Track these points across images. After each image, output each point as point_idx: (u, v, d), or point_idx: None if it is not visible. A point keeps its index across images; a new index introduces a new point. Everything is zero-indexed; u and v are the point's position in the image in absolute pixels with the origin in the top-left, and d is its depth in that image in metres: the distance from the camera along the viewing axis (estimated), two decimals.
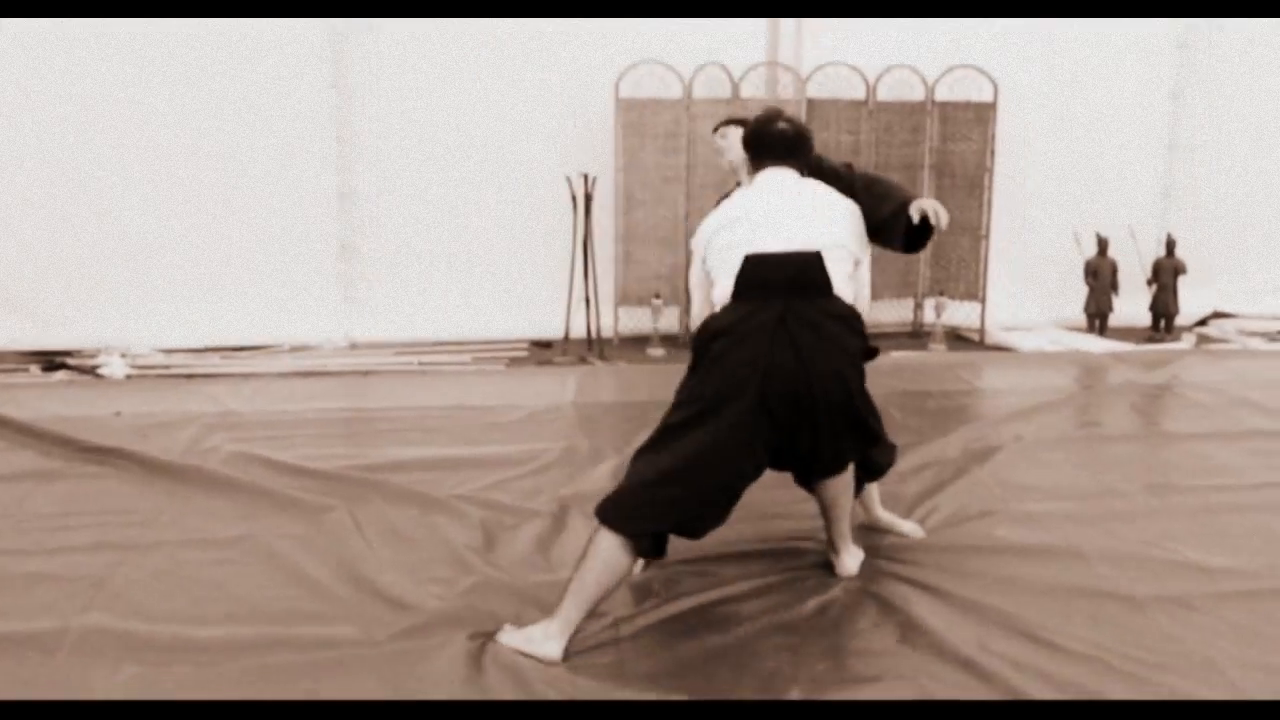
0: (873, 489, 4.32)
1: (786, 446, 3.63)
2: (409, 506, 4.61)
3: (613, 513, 3.46)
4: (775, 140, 3.87)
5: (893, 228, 3.78)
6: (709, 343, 3.61)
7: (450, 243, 7.69)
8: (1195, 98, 8.31)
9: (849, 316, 3.68)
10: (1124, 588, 3.88)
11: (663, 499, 3.46)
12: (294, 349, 7.46)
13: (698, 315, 3.93)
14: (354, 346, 7.57)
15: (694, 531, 3.59)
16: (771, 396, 3.51)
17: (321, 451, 5.32)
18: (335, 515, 4.47)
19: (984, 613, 3.66)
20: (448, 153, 7.59)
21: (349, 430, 5.80)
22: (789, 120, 3.90)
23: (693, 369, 3.69)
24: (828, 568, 4.00)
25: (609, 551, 3.42)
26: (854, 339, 3.69)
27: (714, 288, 3.72)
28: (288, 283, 7.55)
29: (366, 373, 6.97)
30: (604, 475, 4.95)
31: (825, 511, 3.94)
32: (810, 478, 3.87)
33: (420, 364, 7.14)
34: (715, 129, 4.48)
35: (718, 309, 3.68)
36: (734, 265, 3.62)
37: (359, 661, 3.37)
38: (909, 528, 4.35)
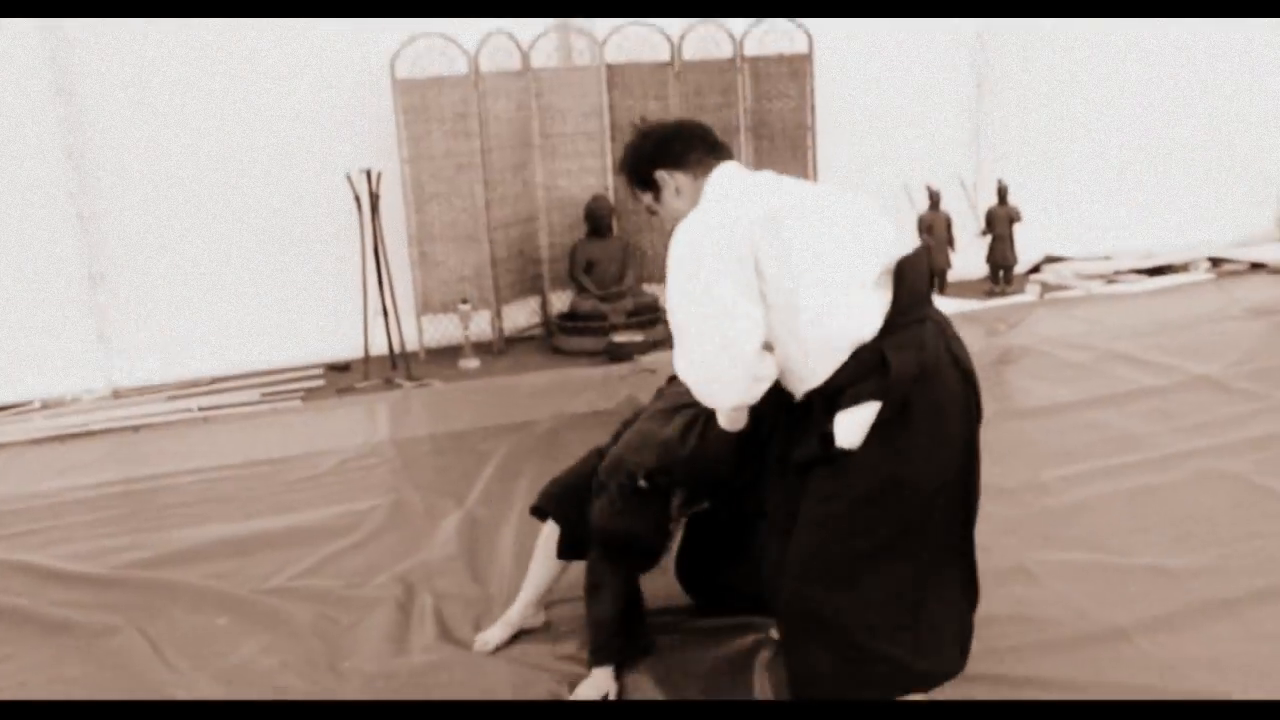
0: None
1: None
2: (214, 612, 3.70)
3: (856, 685, 2.69)
4: (701, 132, 2.92)
5: None
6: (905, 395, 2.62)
7: (220, 261, 6.63)
8: (999, 40, 7.88)
9: None
10: (1100, 614, 3.31)
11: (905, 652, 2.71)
12: (46, 405, 6.31)
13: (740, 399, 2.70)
14: (118, 394, 6.45)
15: None
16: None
17: (93, 545, 4.32)
18: (122, 639, 3.54)
19: None
20: (205, 159, 6.51)
21: (124, 509, 4.72)
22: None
23: (873, 441, 2.61)
24: None
25: None
26: None
27: (806, 320, 2.60)
28: (30, 326, 6.37)
29: (137, 428, 5.89)
30: (448, 537, 4.13)
31: None
32: None
33: (200, 410, 6.08)
34: (631, 188, 3.00)
35: (799, 355, 2.63)
36: (866, 269, 2.62)
37: None
38: None
